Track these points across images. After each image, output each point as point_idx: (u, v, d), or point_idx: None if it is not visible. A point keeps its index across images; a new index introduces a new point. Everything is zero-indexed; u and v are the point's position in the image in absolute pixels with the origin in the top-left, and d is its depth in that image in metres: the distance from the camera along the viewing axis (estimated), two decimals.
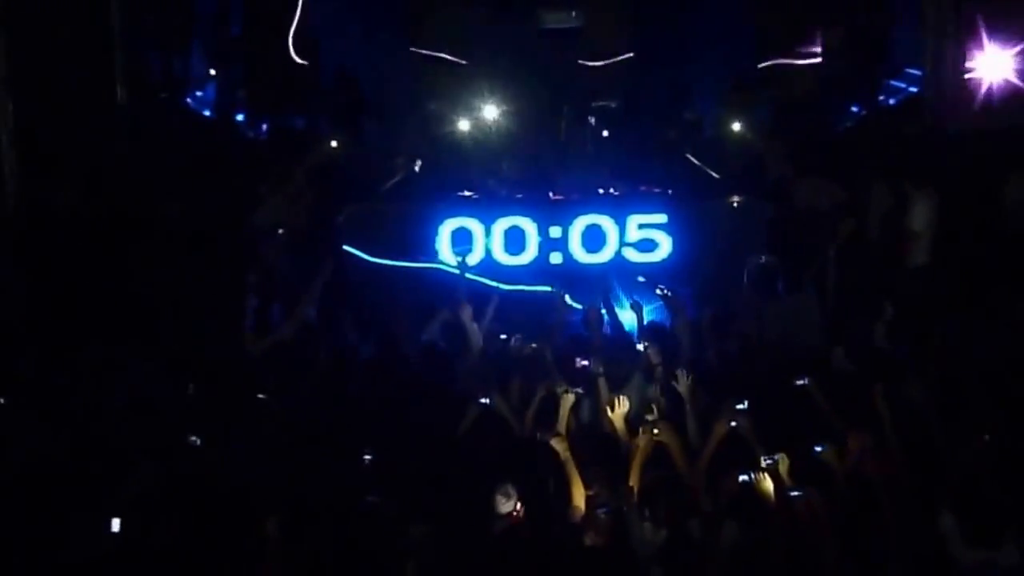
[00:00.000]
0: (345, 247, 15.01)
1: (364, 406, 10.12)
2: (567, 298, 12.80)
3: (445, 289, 13.28)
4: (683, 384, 9.66)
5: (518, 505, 8.18)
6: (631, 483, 8.46)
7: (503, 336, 11.81)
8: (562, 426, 9.36)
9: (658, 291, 12.12)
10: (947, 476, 8.15)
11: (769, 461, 8.08)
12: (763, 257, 13.23)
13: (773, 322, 11.84)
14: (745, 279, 12.79)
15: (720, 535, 7.71)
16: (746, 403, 9.04)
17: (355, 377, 10.86)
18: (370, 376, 10.85)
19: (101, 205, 13.67)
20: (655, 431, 8.79)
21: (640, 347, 10.63)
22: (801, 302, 12.49)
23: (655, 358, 10.40)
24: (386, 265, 15.12)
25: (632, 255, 15.17)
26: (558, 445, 8.63)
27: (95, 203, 13.66)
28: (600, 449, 9.30)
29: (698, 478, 8.53)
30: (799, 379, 9.48)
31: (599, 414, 9.86)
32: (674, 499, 8.05)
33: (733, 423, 8.84)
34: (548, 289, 13.00)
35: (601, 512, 8.06)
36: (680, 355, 10.77)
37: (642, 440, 8.82)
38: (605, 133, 18.34)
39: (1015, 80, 14.67)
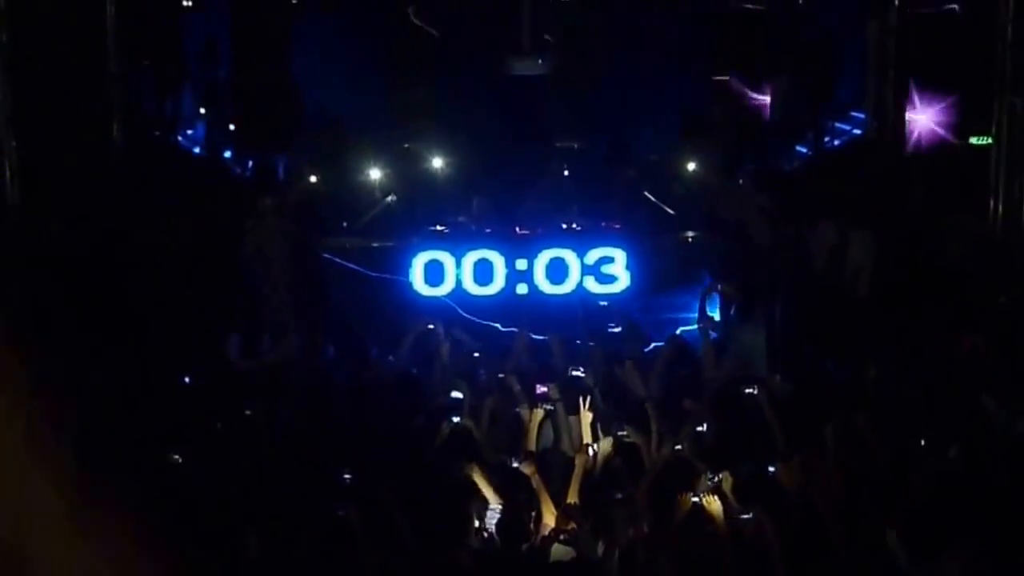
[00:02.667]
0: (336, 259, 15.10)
1: (342, 426, 10.05)
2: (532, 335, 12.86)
3: (417, 308, 13.41)
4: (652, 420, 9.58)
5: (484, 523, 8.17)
6: (570, 500, 8.42)
7: (476, 354, 11.82)
8: (531, 442, 9.32)
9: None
10: (891, 496, 8.11)
11: (713, 479, 8.03)
12: (719, 285, 13.26)
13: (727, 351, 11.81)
14: (699, 305, 12.78)
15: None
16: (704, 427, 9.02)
17: (333, 399, 10.81)
18: (347, 398, 10.81)
19: (98, 235, 13.63)
20: (594, 448, 8.86)
21: (576, 373, 10.54)
22: (750, 333, 12.45)
23: (589, 380, 10.35)
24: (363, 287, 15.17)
25: (593, 286, 15.19)
26: (527, 468, 8.55)
27: (92, 233, 13.62)
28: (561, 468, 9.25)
29: (643, 499, 8.39)
30: (748, 387, 9.44)
31: (558, 436, 9.78)
32: (621, 519, 7.97)
33: (678, 446, 8.79)
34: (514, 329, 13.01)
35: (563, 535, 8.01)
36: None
37: (579, 459, 8.77)
38: (567, 172, 18.34)
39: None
